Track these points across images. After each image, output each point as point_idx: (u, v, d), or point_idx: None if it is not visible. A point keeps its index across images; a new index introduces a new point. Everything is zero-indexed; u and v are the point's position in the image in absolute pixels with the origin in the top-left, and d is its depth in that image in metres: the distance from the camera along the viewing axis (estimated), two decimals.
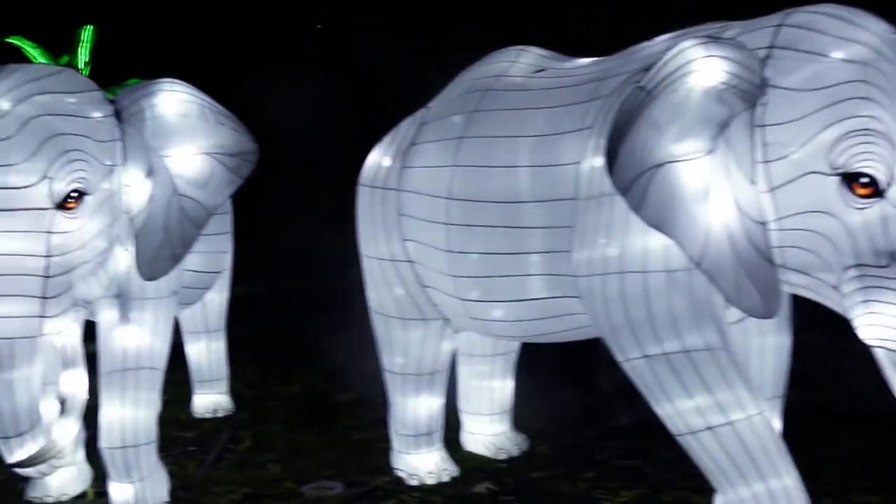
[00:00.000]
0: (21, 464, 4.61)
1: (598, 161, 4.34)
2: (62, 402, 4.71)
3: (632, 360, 4.42)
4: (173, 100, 5.06)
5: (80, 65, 12.11)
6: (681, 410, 4.32)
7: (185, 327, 7.43)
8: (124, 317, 5.29)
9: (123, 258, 5.18)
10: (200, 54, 12.91)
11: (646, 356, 4.35)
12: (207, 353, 7.55)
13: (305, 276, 10.62)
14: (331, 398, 7.93)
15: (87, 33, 12.27)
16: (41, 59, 12.03)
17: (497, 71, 5.18)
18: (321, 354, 8.95)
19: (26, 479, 6.01)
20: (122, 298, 5.29)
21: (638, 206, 3.97)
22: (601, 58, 4.96)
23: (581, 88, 4.72)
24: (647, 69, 4.15)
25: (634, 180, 3.94)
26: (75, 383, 4.73)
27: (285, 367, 8.93)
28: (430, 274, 5.25)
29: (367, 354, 8.23)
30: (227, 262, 7.10)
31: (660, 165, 3.91)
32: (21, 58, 12.11)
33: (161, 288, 5.35)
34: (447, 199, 4.97)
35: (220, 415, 7.59)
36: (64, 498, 5.84)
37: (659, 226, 3.97)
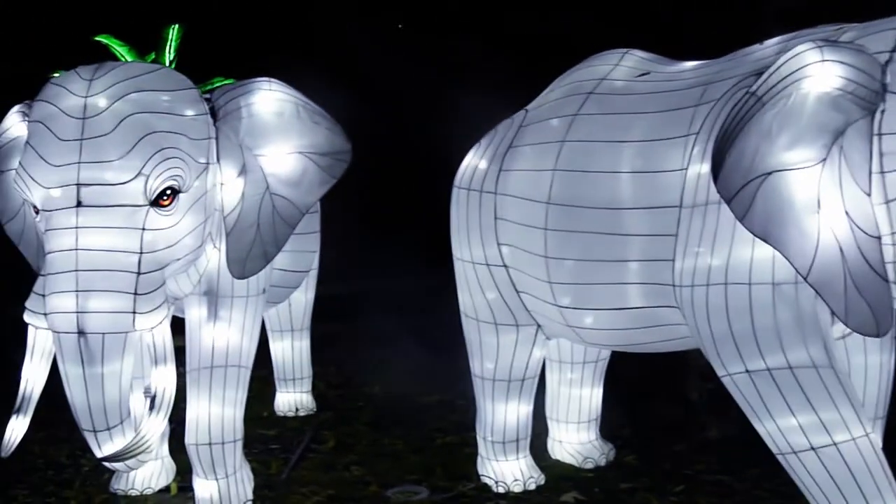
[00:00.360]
0: (110, 458, 4.60)
1: (705, 168, 4.22)
2: (152, 398, 4.68)
3: (733, 374, 4.28)
4: (269, 99, 5.04)
5: (166, 63, 12.21)
6: (783, 429, 4.17)
7: (270, 325, 7.45)
8: (213, 314, 5.27)
9: (214, 256, 5.16)
10: (279, 52, 12.92)
11: (748, 371, 4.21)
12: (292, 352, 7.54)
13: (388, 276, 10.55)
14: (414, 400, 7.84)
15: (173, 32, 12.35)
16: (129, 58, 12.14)
17: (600, 74, 5.05)
18: (404, 356, 8.87)
19: (112, 471, 6.06)
20: (211, 296, 5.28)
21: (743, 216, 3.82)
22: (707, 61, 4.81)
23: (687, 93, 4.57)
24: (757, 73, 4.01)
25: (741, 188, 3.79)
26: (165, 380, 4.70)
27: (368, 368, 8.86)
28: (526, 279, 5.14)
29: (450, 357, 8.20)
30: (314, 261, 7.07)
31: (769, 174, 3.77)
32: (109, 56, 12.23)
33: (250, 286, 5.32)
34: (547, 203, 4.85)
35: (302, 414, 7.58)
36: (148, 491, 5.88)
37: (765, 236, 3.81)
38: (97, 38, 12.08)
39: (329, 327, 8.01)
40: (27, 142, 4.67)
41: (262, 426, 7.12)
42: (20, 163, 4.64)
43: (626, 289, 4.68)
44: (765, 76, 3.80)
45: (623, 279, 4.66)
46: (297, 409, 7.57)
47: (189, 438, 5.37)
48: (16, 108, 5.22)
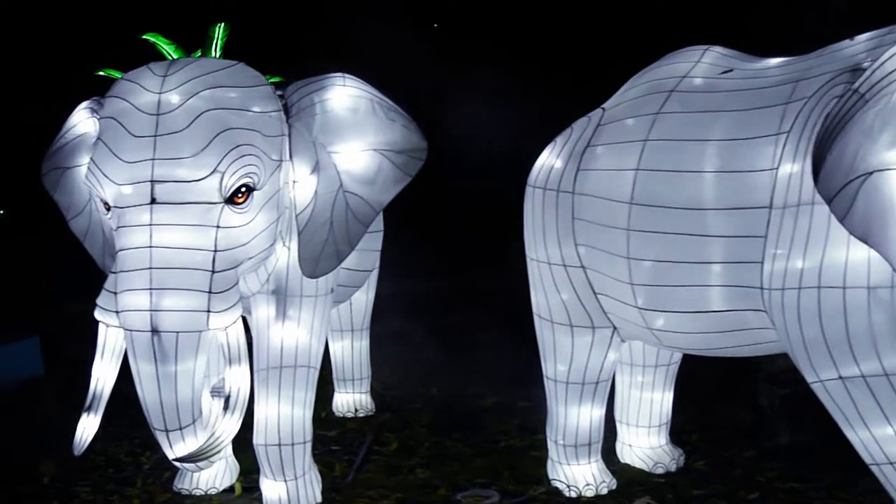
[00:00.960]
0: (184, 458, 4.53)
1: (797, 167, 4.09)
2: (226, 398, 4.60)
3: (824, 380, 4.14)
4: (344, 95, 4.95)
5: None
6: (878, 438, 4.04)
7: (330, 325, 7.34)
8: (281, 314, 5.20)
9: (283, 255, 5.09)
10: (317, 51, 12.86)
11: (841, 377, 4.07)
12: (351, 352, 7.46)
13: (443, 275, 10.45)
14: (473, 402, 7.74)
15: (219, 30, 12.30)
16: (176, 56, 12.11)
17: (681, 72, 4.90)
18: (460, 356, 8.79)
19: (174, 470, 6.03)
20: (280, 295, 5.21)
21: (843, 216, 3.69)
22: (793, 57, 4.66)
23: (775, 90, 4.43)
24: (852, 70, 3.88)
25: (842, 188, 3.66)
26: (239, 379, 4.62)
27: (423, 369, 8.76)
28: (605, 280, 5.02)
29: (508, 358, 8.11)
30: (377, 260, 6.98)
31: (870, 173, 3.62)
32: (156, 55, 12.22)
33: (319, 285, 5.25)
34: (629, 203, 4.72)
35: (361, 414, 7.49)
36: (212, 491, 5.83)
37: (865, 237, 3.68)
38: (144, 37, 12.05)
39: (380, 327, 7.88)
40: (99, 138, 4.61)
41: (322, 427, 7.02)
42: (92, 159, 4.58)
43: (709, 291, 4.55)
44: (867, 73, 3.67)
45: (706, 281, 4.53)
46: (356, 410, 7.48)
47: (258, 439, 5.30)
48: (84, 104, 5.19)
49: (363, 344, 7.54)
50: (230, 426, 4.55)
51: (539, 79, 11.55)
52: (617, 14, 11.58)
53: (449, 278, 10.25)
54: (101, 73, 12.56)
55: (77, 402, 7.62)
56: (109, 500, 5.89)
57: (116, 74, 12.10)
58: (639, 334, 5.13)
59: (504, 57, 11.90)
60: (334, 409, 7.52)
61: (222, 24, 11.78)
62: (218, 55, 12.47)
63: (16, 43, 12.48)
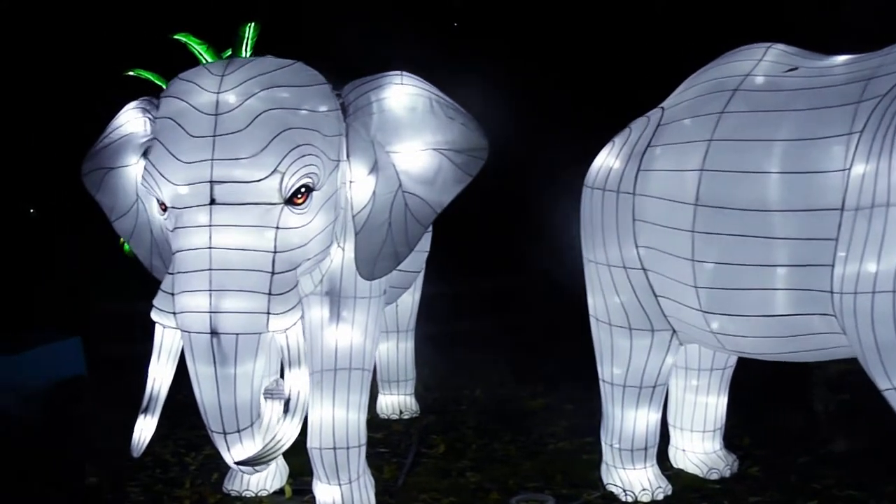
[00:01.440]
0: (243, 462, 4.47)
1: (871, 168, 4.00)
2: (286, 401, 4.54)
3: None
4: (401, 93, 4.86)
5: None
6: None
7: None
8: (335, 315, 5.15)
9: (337, 256, 5.03)
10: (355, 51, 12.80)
11: None
12: (396, 354, 7.40)
13: (484, 276, 10.35)
14: (519, 404, 7.68)
15: (250, 30, 12.27)
16: (208, 56, 12.10)
17: (743, 70, 4.80)
18: (501, 358, 8.72)
19: (222, 471, 5.99)
20: (333, 296, 5.15)
21: None
22: (859, 55, 4.57)
23: (844, 89, 4.33)
24: None
25: None
26: (299, 383, 4.56)
27: (464, 370, 8.70)
28: (666, 283, 4.94)
29: (552, 360, 8.05)
30: (424, 261, 6.91)
31: None
32: (187, 55, 12.21)
33: (373, 287, 5.19)
34: (693, 205, 4.63)
35: (405, 416, 7.44)
36: (262, 493, 5.79)
37: None
38: (176, 37, 12.03)
39: (418, 328, 7.81)
40: (156, 138, 4.56)
41: (367, 429, 6.94)
42: (148, 159, 4.53)
43: (775, 295, 4.46)
44: None
45: (773, 284, 4.44)
46: (400, 412, 7.43)
47: (312, 442, 5.25)
48: (133, 104, 5.13)
49: (408, 345, 7.49)
50: (291, 430, 4.49)
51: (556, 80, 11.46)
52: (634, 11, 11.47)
53: (487, 279, 10.11)
54: (131, 73, 12.54)
55: (120, 401, 7.67)
56: (159, 501, 5.83)
57: (146, 74, 12.11)
58: (700, 338, 5.04)
59: (517, 58, 11.82)
60: (378, 411, 7.46)
61: (252, 24, 11.75)
62: (248, 55, 12.45)
63: (43, 42, 12.48)
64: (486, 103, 6.33)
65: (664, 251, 4.86)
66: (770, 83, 4.67)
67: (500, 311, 9.81)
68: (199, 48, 11.99)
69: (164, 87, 12.59)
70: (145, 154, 4.96)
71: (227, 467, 5.86)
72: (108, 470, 6.44)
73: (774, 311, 4.50)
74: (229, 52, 12.22)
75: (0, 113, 11.94)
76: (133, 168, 5.10)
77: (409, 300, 7.22)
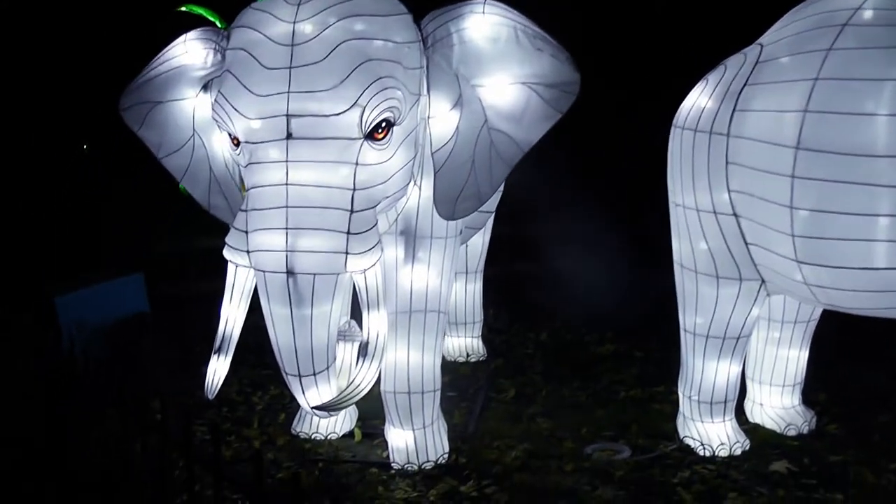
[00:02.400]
0: (320, 408, 4.35)
1: None
2: (364, 344, 4.40)
3: None
4: (483, 23, 4.56)
5: None
6: None
7: None
8: (410, 256, 4.99)
9: (414, 194, 4.85)
10: None
11: None
12: (465, 295, 7.24)
13: (547, 218, 10.14)
14: (587, 349, 7.52)
15: None
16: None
17: (853, 3, 4.47)
18: (568, 301, 8.52)
19: (290, 410, 5.90)
20: (409, 236, 4.98)
21: None
22: None
23: None
24: None
25: None
26: (377, 325, 4.41)
27: (528, 313, 8.52)
28: (760, 230, 4.69)
29: (621, 305, 7.85)
30: (498, 200, 6.70)
31: None
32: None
33: (450, 227, 5.01)
34: (794, 148, 4.36)
35: (472, 360, 7.31)
36: (332, 436, 5.68)
37: None
38: (182, 9, 11.73)
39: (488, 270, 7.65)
40: (228, 70, 4.38)
41: None
42: (220, 92, 4.35)
43: (877, 247, 4.23)
44: None
45: (875, 236, 4.21)
46: (467, 355, 7.30)
47: (386, 386, 5.11)
48: (191, 34, 4.87)
49: (476, 287, 7.33)
50: (369, 374, 4.35)
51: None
52: None
53: (553, 220, 9.87)
54: (183, 9, 12.35)
55: (183, 338, 7.63)
56: (228, 441, 5.74)
57: (198, 10, 11.91)
58: (792, 289, 4.81)
59: None
60: (445, 353, 7.29)
61: None
62: None
63: None
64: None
65: (759, 196, 4.62)
66: (882, 17, 4.35)
67: (565, 253, 9.57)
68: (211, 17, 11.80)
69: (217, 22, 12.45)
70: (205, 87, 4.82)
71: (295, 408, 5.80)
72: (174, 408, 6.37)
73: (875, 263, 4.27)
74: None
75: (53, 49, 11.85)
76: (189, 102, 4.92)
77: (480, 241, 7.05)
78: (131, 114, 5.07)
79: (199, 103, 4.90)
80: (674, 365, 5.65)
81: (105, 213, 10.47)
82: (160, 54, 4.97)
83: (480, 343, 7.44)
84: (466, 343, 7.34)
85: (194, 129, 4.98)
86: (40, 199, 10.77)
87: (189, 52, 4.84)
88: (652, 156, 6.01)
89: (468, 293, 7.24)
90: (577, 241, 9.59)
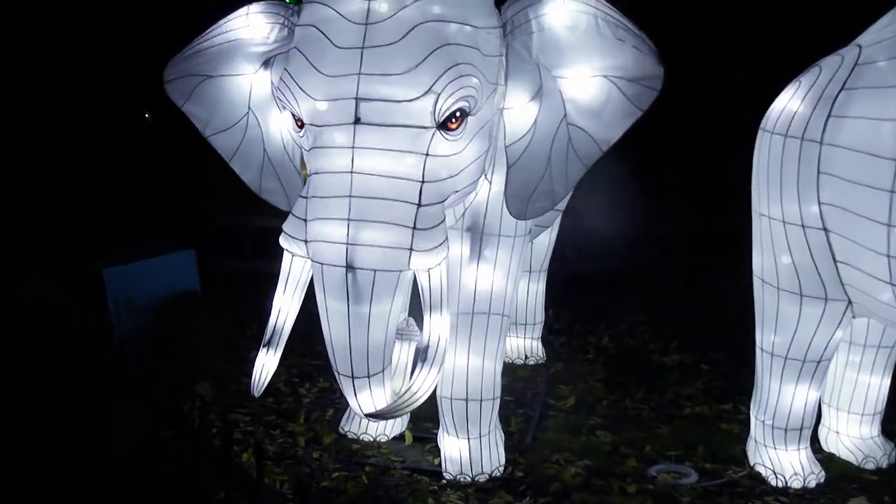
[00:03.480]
0: (376, 415, 4.07)
1: None
2: (424, 348, 4.10)
3: None
4: (561, 9, 4.18)
5: None
6: None
7: None
8: (476, 254, 4.69)
9: (483, 188, 4.55)
10: None
11: None
12: (527, 295, 6.93)
13: (615, 215, 9.80)
14: (651, 358, 7.16)
15: None
16: None
17: None
18: (630, 304, 8.20)
19: (339, 405, 5.72)
20: (475, 233, 4.69)
21: None
22: None
23: None
24: None
25: None
26: (439, 328, 4.11)
27: (593, 315, 8.19)
28: (851, 248, 4.33)
29: (687, 313, 7.51)
30: (568, 199, 6.37)
31: None
32: None
33: (519, 225, 4.72)
34: (895, 160, 4.00)
35: (531, 362, 7.00)
36: (381, 438, 5.43)
37: None
38: None
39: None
40: (296, 47, 4.10)
41: None
42: (286, 70, 4.07)
43: None
44: None
45: None
46: (526, 357, 7.00)
47: (443, 391, 4.83)
48: (255, 6, 4.53)
49: (539, 287, 7.02)
50: (428, 381, 4.06)
51: None
52: None
53: (622, 219, 9.51)
54: None
55: (232, 318, 7.42)
56: (272, 435, 5.53)
57: None
58: (881, 312, 4.43)
59: None
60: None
61: None
62: None
63: None
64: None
65: (853, 211, 4.25)
66: None
67: (631, 255, 9.23)
68: None
69: None
70: (266, 64, 4.55)
71: (344, 404, 5.54)
72: (219, 393, 6.16)
73: None
74: None
75: (110, 20, 11.70)
76: (246, 78, 4.65)
77: (546, 239, 6.73)
78: (177, 86, 4.78)
79: (257, 80, 4.64)
80: (742, 381, 5.34)
81: (156, 186, 10.32)
82: (215, 25, 4.66)
83: (540, 345, 7.14)
84: (525, 345, 7.04)
85: (249, 107, 4.72)
86: (91, 172, 10.63)
87: (251, 25, 4.52)
88: (732, 156, 5.67)
89: (530, 293, 6.92)
90: (645, 242, 9.27)
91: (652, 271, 8.83)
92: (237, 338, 7.27)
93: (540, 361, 7.03)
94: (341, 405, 5.85)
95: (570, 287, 8.46)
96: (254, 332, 7.52)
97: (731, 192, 5.24)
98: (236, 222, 8.89)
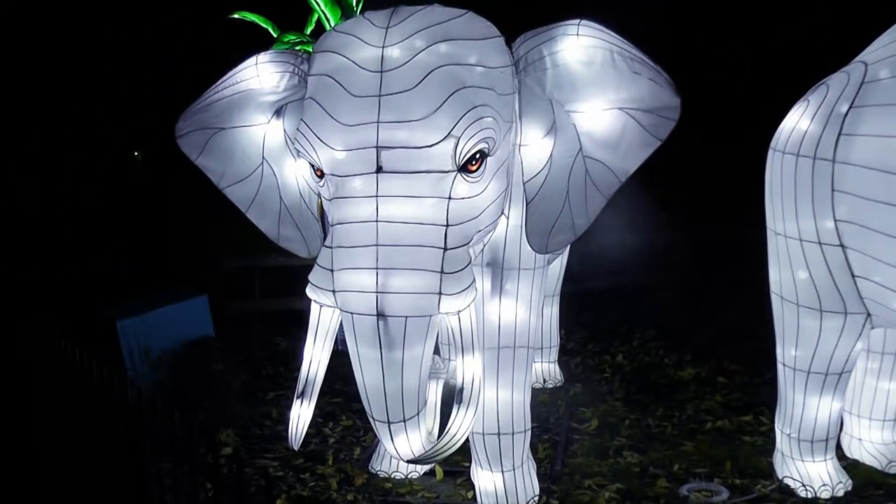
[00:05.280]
0: (415, 461, 4.10)
1: None
2: (459, 390, 4.13)
3: None
4: (577, 46, 4.23)
5: (353, 2, 11.72)
6: None
7: None
8: (497, 288, 4.73)
9: (501, 223, 4.57)
10: None
11: None
12: (541, 320, 6.93)
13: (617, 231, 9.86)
14: (666, 373, 7.23)
15: None
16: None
17: None
18: (639, 320, 8.26)
19: (366, 444, 5.74)
20: (496, 268, 4.71)
21: None
22: None
23: None
24: None
25: None
26: (472, 369, 4.14)
27: (604, 332, 8.24)
28: (869, 263, 4.39)
29: (698, 325, 7.57)
30: None
31: None
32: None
33: (538, 257, 4.74)
34: None
35: (549, 385, 7.05)
36: (413, 475, 5.45)
37: None
38: (234, 16, 11.60)
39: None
40: (312, 97, 4.13)
41: None
42: (303, 121, 4.09)
43: None
44: None
45: None
46: (544, 381, 7.04)
47: (474, 426, 4.83)
48: (261, 56, 4.54)
49: (553, 311, 7.08)
50: (465, 423, 4.09)
51: None
52: None
53: (626, 235, 9.56)
54: (236, 16, 12.18)
55: (245, 359, 7.45)
56: (302, 479, 5.54)
57: (251, 16, 11.69)
58: None
59: None
60: None
61: None
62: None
63: None
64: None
65: (869, 227, 4.32)
66: None
67: (638, 270, 9.28)
68: (265, 25, 11.63)
69: (270, 30, 12.27)
70: (277, 113, 4.58)
71: (370, 441, 5.58)
72: (243, 438, 6.19)
73: None
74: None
75: (104, 60, 11.75)
76: (259, 128, 4.66)
77: (558, 264, 6.79)
78: (189, 140, 4.77)
79: (269, 129, 4.66)
80: (759, 391, 5.38)
81: (166, 229, 10.36)
82: (225, 77, 4.66)
83: (557, 368, 7.19)
84: (543, 368, 7.09)
85: (263, 157, 4.74)
86: (97, 216, 10.68)
87: (261, 74, 4.54)
88: (733, 173, 5.73)
89: (545, 317, 6.97)
90: (649, 257, 9.32)
91: (658, 286, 8.88)
92: (253, 380, 7.30)
93: (558, 384, 7.07)
94: (368, 443, 5.89)
95: (580, 305, 8.52)
96: (268, 373, 7.60)
97: (734, 206, 5.29)
98: (239, 263, 8.92)
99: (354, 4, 11.70)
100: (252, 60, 4.56)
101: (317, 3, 11.82)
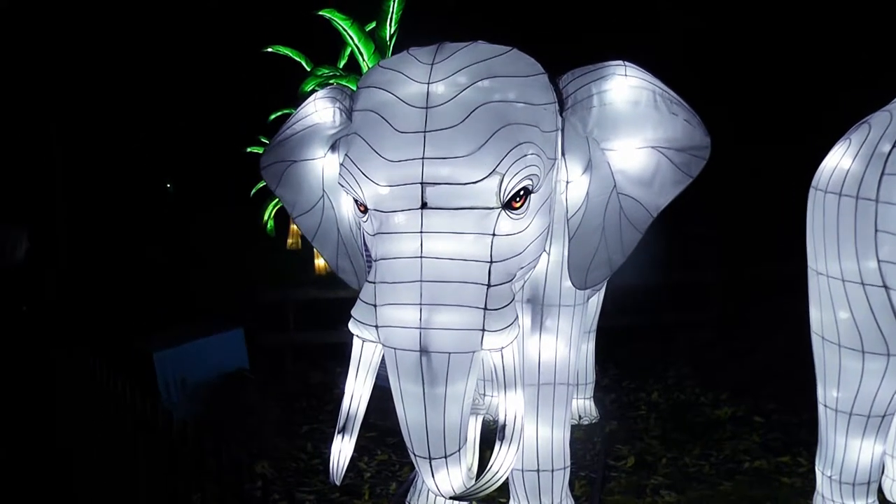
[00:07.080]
0: (457, 499, 4.09)
1: None
2: (501, 427, 4.12)
3: None
4: (625, 86, 4.28)
5: (386, 37, 11.84)
6: None
7: None
8: (538, 325, 4.72)
9: (542, 260, 4.58)
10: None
11: None
12: (577, 355, 6.93)
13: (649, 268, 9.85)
14: (702, 412, 7.18)
15: (394, 4, 11.95)
16: (352, 32, 11.86)
17: None
18: (678, 358, 8.21)
19: (400, 479, 5.73)
20: (536, 304, 4.71)
21: None
22: None
23: None
24: None
25: None
26: (514, 406, 4.13)
27: (637, 369, 8.20)
28: None
29: (733, 363, 7.52)
30: None
31: None
32: (331, 31, 11.97)
33: (578, 294, 4.74)
34: None
35: (585, 422, 7.01)
36: None
37: None
38: (320, 13, 11.82)
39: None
40: (356, 133, 4.15)
41: None
42: (347, 156, 4.12)
43: None
44: None
45: None
46: (580, 417, 7.00)
47: (515, 463, 4.84)
48: (321, 92, 4.66)
49: (590, 347, 7.06)
50: (507, 460, 4.08)
51: None
52: None
53: (659, 271, 9.53)
54: (270, 50, 12.35)
55: (283, 395, 7.46)
56: None
57: (284, 50, 11.84)
58: None
59: None
60: None
61: None
62: (393, 31, 12.15)
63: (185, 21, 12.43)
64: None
65: None
66: None
67: (671, 307, 9.25)
68: (342, 23, 11.76)
69: (303, 63, 12.44)
70: (333, 147, 4.63)
71: (405, 476, 5.56)
72: (278, 471, 6.19)
73: None
74: (373, 25, 12.00)
75: (138, 94, 11.88)
76: (319, 162, 4.73)
77: (595, 300, 6.77)
78: (270, 172, 4.94)
79: (327, 163, 4.72)
80: (797, 432, 5.32)
81: (200, 263, 10.42)
82: (297, 111, 4.81)
83: (593, 405, 7.15)
84: (579, 405, 7.05)
85: (324, 190, 4.80)
86: (130, 249, 10.76)
87: (318, 111, 4.64)
88: (770, 209, 5.71)
89: (581, 353, 6.93)
90: (683, 293, 9.29)
91: (692, 323, 8.85)
92: (287, 412, 7.31)
93: (594, 421, 7.04)
94: (403, 476, 5.87)
95: (614, 341, 8.49)
96: (301, 406, 7.60)
97: (770, 242, 5.27)
98: (273, 296, 8.95)
99: (388, 39, 11.86)
100: (312, 97, 4.69)
101: (350, 38, 12.02)
